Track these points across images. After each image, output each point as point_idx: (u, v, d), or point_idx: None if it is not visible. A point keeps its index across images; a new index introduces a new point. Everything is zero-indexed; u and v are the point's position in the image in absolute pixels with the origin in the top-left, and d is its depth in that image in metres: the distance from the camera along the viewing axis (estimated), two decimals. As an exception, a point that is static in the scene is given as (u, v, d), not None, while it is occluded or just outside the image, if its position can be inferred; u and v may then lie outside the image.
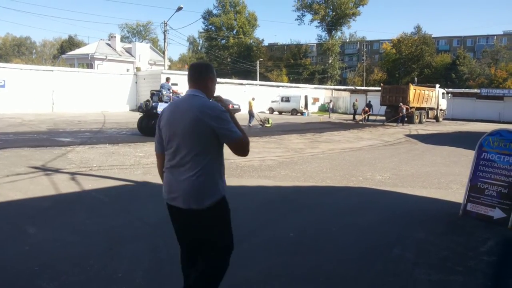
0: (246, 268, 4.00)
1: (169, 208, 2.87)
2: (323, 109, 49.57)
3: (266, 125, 23.94)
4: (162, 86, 16.42)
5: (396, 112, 29.84)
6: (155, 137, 2.98)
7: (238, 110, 35.48)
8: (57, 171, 8.35)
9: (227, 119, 2.67)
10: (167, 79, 17.21)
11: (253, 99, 25.44)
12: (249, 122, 24.09)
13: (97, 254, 4.19)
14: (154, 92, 16.05)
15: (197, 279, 2.83)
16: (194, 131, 2.63)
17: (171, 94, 16.22)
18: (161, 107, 15.19)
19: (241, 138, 2.73)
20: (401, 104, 29.77)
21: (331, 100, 43.39)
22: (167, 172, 2.83)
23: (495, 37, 77.65)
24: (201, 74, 2.85)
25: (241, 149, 2.81)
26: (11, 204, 5.95)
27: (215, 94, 2.93)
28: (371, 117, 34.06)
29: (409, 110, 29.99)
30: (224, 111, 2.70)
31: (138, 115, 16.62)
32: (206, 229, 2.78)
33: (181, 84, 35.25)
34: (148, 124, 15.46)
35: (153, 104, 15.32)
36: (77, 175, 7.95)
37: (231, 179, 8.25)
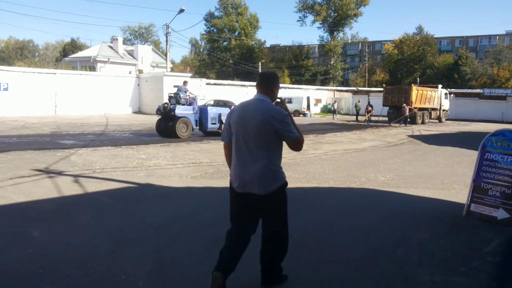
0: (249, 270, 3.99)
1: (237, 196, 3.46)
2: (326, 110, 49.55)
3: None
4: (179, 89, 16.82)
5: (399, 112, 29.81)
6: (224, 129, 3.51)
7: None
8: (60, 173, 8.37)
9: (288, 122, 3.27)
10: (184, 82, 17.75)
11: None
12: None
13: (100, 257, 4.19)
14: (172, 95, 16.49)
15: (272, 241, 3.53)
16: (262, 130, 3.21)
17: (188, 97, 16.65)
18: (179, 109, 15.72)
19: (298, 138, 3.31)
20: (404, 104, 29.74)
21: (335, 101, 43.18)
22: (235, 162, 3.41)
23: (497, 37, 77.47)
24: (269, 81, 3.44)
25: (297, 146, 3.36)
26: (14, 207, 5.97)
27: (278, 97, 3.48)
28: (373, 118, 34.02)
29: (412, 111, 29.95)
30: (286, 115, 3.27)
31: (140, 117, 16.81)
32: (271, 209, 3.41)
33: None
34: (166, 126, 15.94)
35: (171, 107, 15.76)
36: (80, 178, 7.97)
37: (234, 181, 8.25)
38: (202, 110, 17.08)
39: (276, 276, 3.61)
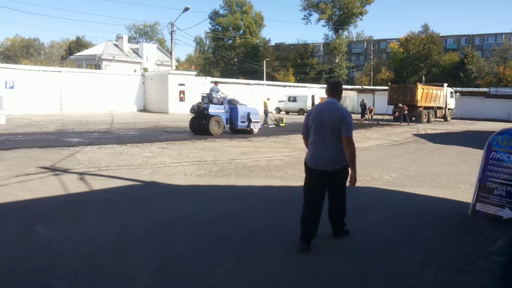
0: (254, 268, 4.01)
1: (311, 171, 4.59)
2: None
3: (280, 124, 24.14)
4: (211, 90, 17.71)
5: (402, 112, 29.76)
6: (304, 124, 4.74)
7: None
8: (66, 171, 8.41)
9: (349, 122, 4.43)
10: (216, 83, 18.86)
11: (268, 99, 25.80)
12: (265, 121, 24.35)
13: (106, 254, 4.22)
14: (204, 95, 17.46)
15: (336, 205, 4.77)
16: (333, 124, 4.38)
17: (219, 96, 17.47)
18: (212, 108, 16.73)
19: (350, 137, 4.44)
20: (400, 104, 29.74)
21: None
22: (312, 147, 4.59)
23: (503, 35, 76.94)
24: (337, 88, 4.75)
25: (348, 144, 4.43)
26: (20, 204, 6.01)
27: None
28: (377, 117, 33.91)
29: (406, 109, 29.68)
30: (349, 115, 4.46)
31: (145, 115, 16.96)
32: (336, 181, 4.60)
33: (188, 84, 35.38)
34: (199, 124, 16.98)
35: (204, 106, 16.74)
36: (85, 175, 8.01)
37: (239, 179, 8.27)
38: (233, 109, 17.83)
39: (342, 230, 4.94)
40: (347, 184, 4.65)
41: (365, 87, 58.30)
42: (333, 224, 4.90)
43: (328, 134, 4.43)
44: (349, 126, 4.41)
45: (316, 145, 4.55)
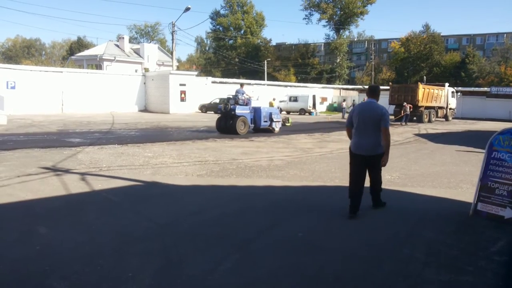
0: (255, 268, 4.01)
1: (356, 156, 5.82)
2: (332, 108, 49.38)
3: (286, 124, 24.36)
4: (237, 91, 18.52)
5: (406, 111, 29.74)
6: (348, 119, 5.98)
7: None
8: (67, 171, 8.42)
9: (386, 116, 5.65)
10: (241, 85, 19.68)
11: (273, 99, 25.91)
12: None
13: (107, 254, 4.22)
14: (231, 96, 18.40)
15: (374, 183, 6.09)
16: (374, 119, 5.63)
17: (244, 97, 18.41)
18: (238, 109, 17.72)
19: (387, 128, 5.69)
20: (405, 103, 29.69)
21: (344, 100, 42.74)
22: (356, 137, 5.80)
23: (505, 35, 76.74)
24: (375, 91, 6.03)
25: (385, 133, 5.68)
26: (22, 204, 6.01)
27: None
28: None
29: (411, 109, 29.71)
30: (386, 112, 5.71)
31: (146, 115, 17.02)
32: (373, 165, 5.86)
33: (189, 84, 35.38)
34: (226, 123, 17.84)
35: (231, 107, 17.68)
36: (87, 176, 8.01)
37: (240, 179, 8.27)
38: (256, 110, 18.78)
39: (380, 203, 6.27)
40: (382, 165, 5.88)
41: (366, 87, 58.21)
42: (372, 197, 6.20)
43: (370, 127, 5.68)
44: (386, 120, 5.66)
45: (359, 135, 5.77)
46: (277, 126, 19.55)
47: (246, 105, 18.29)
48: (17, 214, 5.57)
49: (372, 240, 4.90)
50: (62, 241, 4.55)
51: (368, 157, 5.73)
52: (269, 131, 19.12)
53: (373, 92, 6.00)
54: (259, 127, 18.71)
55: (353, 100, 38.70)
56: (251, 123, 18.50)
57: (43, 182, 7.45)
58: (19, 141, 13.14)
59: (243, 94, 18.45)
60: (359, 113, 5.78)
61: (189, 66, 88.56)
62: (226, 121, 17.88)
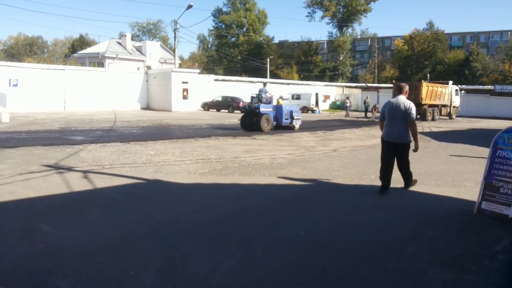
0: (258, 267, 3.99)
1: (386, 143, 7.00)
2: (335, 106, 49.29)
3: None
4: (260, 90, 19.29)
5: None
6: (381, 113, 7.21)
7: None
8: (69, 169, 8.42)
9: (413, 110, 6.75)
10: (264, 84, 20.63)
11: (281, 97, 26.05)
12: None
13: (110, 252, 4.21)
14: (254, 95, 19.20)
15: (403, 167, 7.17)
16: (403, 112, 6.77)
17: (268, 96, 19.21)
18: (262, 107, 18.59)
19: (413, 120, 6.83)
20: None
21: (347, 97, 42.61)
22: (387, 127, 7.00)
23: (509, 32, 76.57)
24: (403, 89, 7.15)
25: (412, 125, 6.84)
26: (24, 202, 6.02)
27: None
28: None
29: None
30: (413, 106, 6.79)
31: (149, 113, 16.97)
32: (404, 150, 6.95)
33: (191, 82, 35.38)
34: (251, 121, 18.65)
35: (255, 105, 18.51)
36: (89, 173, 8.01)
37: (243, 177, 8.25)
38: (278, 108, 19.77)
39: (410, 184, 7.38)
40: (413, 151, 6.99)
41: (369, 84, 58.19)
42: (404, 180, 7.37)
43: (398, 119, 6.86)
44: (412, 113, 6.77)
45: (390, 126, 6.97)
46: (297, 123, 20.40)
47: (269, 103, 19.14)
48: (20, 212, 5.57)
49: (376, 239, 4.88)
50: (64, 239, 4.54)
51: (397, 144, 6.93)
52: (290, 128, 19.92)
53: (401, 90, 7.17)
54: (281, 124, 19.58)
55: (367, 97, 38.53)
56: (274, 121, 19.35)
57: (46, 180, 7.45)
58: (21, 139, 13.16)
59: (266, 93, 19.23)
60: (390, 108, 7.01)
61: (191, 64, 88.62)
62: (251, 118, 18.69)
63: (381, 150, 7.14)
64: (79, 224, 5.09)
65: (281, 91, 42.49)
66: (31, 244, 4.36)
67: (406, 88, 7.21)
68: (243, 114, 19.47)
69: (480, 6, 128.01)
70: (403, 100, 6.93)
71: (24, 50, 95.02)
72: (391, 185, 7.26)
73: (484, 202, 5.81)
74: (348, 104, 38.32)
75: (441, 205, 6.50)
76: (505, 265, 4.16)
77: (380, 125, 7.30)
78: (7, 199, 6.07)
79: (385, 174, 7.01)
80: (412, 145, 6.99)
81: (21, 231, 4.80)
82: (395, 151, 7.00)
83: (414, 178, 7.45)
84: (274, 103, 19.64)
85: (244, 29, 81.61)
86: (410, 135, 6.89)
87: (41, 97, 29.14)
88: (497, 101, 41.06)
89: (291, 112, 20.22)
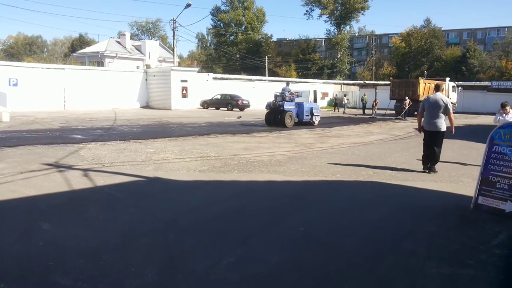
0: (257, 263, 4.03)
1: (426, 131, 8.69)
2: (332, 104, 49.27)
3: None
4: (283, 89, 20.78)
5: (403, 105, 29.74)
6: (420, 106, 8.87)
7: (248, 105, 35.53)
8: (69, 167, 8.45)
9: (449, 104, 8.47)
10: (287, 84, 22.78)
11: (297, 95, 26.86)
12: None
13: (110, 249, 4.24)
14: (278, 94, 20.57)
15: (434, 153, 8.67)
16: (439, 106, 8.41)
17: (290, 94, 20.52)
18: (286, 105, 20.00)
19: (451, 112, 8.55)
20: (407, 97, 29.72)
21: (345, 94, 42.55)
22: (426, 118, 8.63)
23: (506, 29, 76.46)
24: (440, 87, 8.74)
25: (450, 116, 8.54)
26: (25, 201, 6.04)
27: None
28: (381, 112, 33.89)
29: (410, 104, 29.70)
30: (449, 101, 8.50)
31: (148, 112, 16.97)
32: (437, 138, 8.61)
33: (190, 80, 35.33)
34: (275, 118, 20.13)
35: (280, 103, 19.92)
36: (89, 172, 8.04)
37: (242, 175, 8.29)
38: (299, 105, 21.12)
39: (434, 169, 8.77)
40: (451, 133, 8.75)
41: (367, 82, 58.18)
42: (430, 163, 8.73)
43: (436, 112, 8.46)
44: (449, 107, 8.48)
45: (430, 117, 8.57)
46: (316, 120, 21.95)
47: (291, 101, 20.45)
48: (20, 210, 5.60)
49: (374, 234, 4.92)
50: (65, 237, 4.58)
51: (433, 132, 8.54)
52: (310, 124, 21.36)
53: (437, 88, 8.79)
54: (302, 120, 21.04)
55: (364, 95, 38.63)
56: (296, 117, 20.70)
57: (46, 178, 7.48)
58: (21, 138, 13.18)
59: (289, 91, 20.64)
60: (429, 103, 8.60)
61: (190, 63, 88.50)
62: (275, 115, 20.13)
63: (423, 138, 8.91)
64: (80, 222, 5.12)
65: (279, 89, 42.50)
66: (32, 242, 4.39)
67: (443, 86, 9.03)
68: (267, 111, 20.71)
69: (477, 3, 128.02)
70: (440, 96, 8.53)
71: (24, 49, 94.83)
72: (389, 182, 7.30)
73: (480, 197, 5.86)
74: (346, 102, 38.34)
75: (438, 201, 6.55)
76: (502, 260, 4.21)
77: (419, 117, 8.91)
78: (8, 198, 6.10)
79: (426, 156, 8.80)
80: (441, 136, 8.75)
81: (22, 229, 4.82)
82: (432, 139, 8.58)
83: (412, 173, 7.61)
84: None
85: (243, 27, 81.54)
86: (444, 124, 8.51)
87: (41, 97, 29.10)
88: (494, 97, 40.93)
89: (311, 109, 21.65)
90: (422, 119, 8.79)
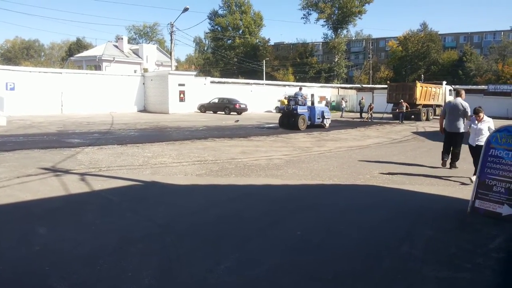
0: (255, 267, 4.03)
1: (447, 132, 9.62)
2: (331, 107, 49.27)
3: None
4: (297, 94, 21.76)
5: (402, 109, 29.82)
6: (442, 110, 10.11)
7: (245, 109, 35.54)
8: (66, 172, 8.43)
9: (468, 108, 9.32)
10: (300, 88, 23.83)
11: (285, 98, 27.18)
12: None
13: (107, 254, 4.23)
14: (291, 98, 21.55)
15: (455, 152, 9.66)
16: (459, 110, 9.40)
17: (303, 99, 21.61)
18: (299, 109, 21.05)
19: (470, 116, 8.85)
20: (401, 100, 29.82)
21: (342, 98, 42.62)
22: (447, 121, 9.56)
23: (502, 32, 76.88)
24: (460, 93, 9.95)
25: (469, 119, 9.05)
26: (21, 205, 6.02)
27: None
28: (378, 115, 33.97)
29: (407, 108, 29.81)
30: (468, 106, 9.38)
31: (146, 116, 16.91)
32: (459, 138, 9.51)
33: (188, 84, 35.32)
34: (289, 121, 21.10)
35: (293, 107, 21.01)
36: (86, 176, 8.03)
37: (239, 178, 8.29)
38: (311, 109, 22.18)
39: (455, 165, 9.56)
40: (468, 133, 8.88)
41: (364, 85, 58.30)
42: (451, 160, 9.63)
43: (456, 115, 9.40)
44: (468, 110, 9.24)
45: (451, 120, 9.48)
46: (327, 122, 22.84)
47: (304, 105, 21.57)
48: (17, 215, 5.59)
49: (371, 237, 4.93)
50: (62, 241, 4.56)
51: (453, 133, 9.45)
52: (321, 127, 22.23)
53: (458, 93, 9.96)
54: (314, 123, 21.93)
55: (362, 98, 38.77)
56: (308, 120, 21.63)
57: (43, 182, 7.46)
58: (18, 142, 13.14)
59: (302, 96, 21.66)
60: (450, 107, 9.61)
61: (188, 66, 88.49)
62: (289, 118, 21.13)
63: (444, 138, 9.74)
64: (76, 227, 5.11)
65: (277, 92, 42.63)
66: (28, 247, 4.38)
67: (462, 92, 9.98)
68: (281, 114, 21.90)
69: (473, 7, 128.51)
70: (460, 101, 9.55)
71: (21, 53, 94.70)
72: (387, 185, 7.30)
73: (477, 201, 5.87)
74: (344, 106, 38.40)
75: (435, 204, 6.56)
76: (498, 263, 4.22)
77: (441, 120, 9.80)
78: (4, 202, 6.07)
79: (445, 154, 9.59)
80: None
81: (18, 234, 4.81)
82: (451, 139, 9.50)
83: (409, 176, 7.55)
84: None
85: (240, 31, 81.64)
86: (463, 127, 9.33)
87: (38, 101, 29.01)
88: (490, 101, 41.12)
89: (323, 112, 22.72)
90: (444, 121, 9.67)
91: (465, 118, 9.28)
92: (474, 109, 8.34)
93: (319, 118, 22.26)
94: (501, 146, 5.78)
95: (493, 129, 7.00)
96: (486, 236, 5.02)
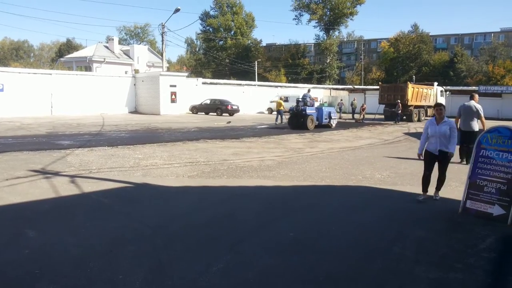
0: (247, 269, 4.01)
1: (462, 131, 10.56)
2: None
3: (276, 123, 25.33)
4: (305, 95, 23.05)
5: (395, 110, 29.99)
6: (458, 112, 10.90)
7: (237, 110, 35.51)
8: (56, 174, 8.35)
9: (480, 110, 10.46)
10: (309, 90, 25.57)
11: (281, 99, 27.99)
12: (276, 120, 25.90)
13: (98, 256, 4.19)
14: (300, 99, 22.73)
15: (470, 148, 9.12)
16: (472, 112, 10.53)
17: (311, 100, 22.75)
18: (308, 109, 22.15)
19: (482, 116, 10.45)
20: (398, 101, 29.99)
21: (341, 99, 42.67)
22: (462, 121, 10.66)
23: (492, 34, 77.61)
24: (473, 96, 10.88)
25: (482, 120, 10.34)
26: (10, 208, 5.96)
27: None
28: (369, 116, 34.10)
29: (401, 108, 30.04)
30: (481, 108, 10.51)
31: (137, 117, 16.79)
32: (473, 136, 9.59)
33: (179, 85, 35.16)
34: (298, 121, 22.10)
35: (302, 108, 22.11)
36: (76, 178, 7.96)
37: (231, 180, 8.27)
38: (319, 110, 23.45)
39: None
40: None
41: (356, 86, 58.52)
42: (466, 156, 10.43)
43: (470, 116, 10.43)
44: (481, 112, 10.30)
45: (465, 120, 10.51)
46: (333, 123, 24.23)
47: (312, 106, 22.75)
48: (6, 218, 5.52)
49: (363, 238, 4.93)
50: (51, 244, 4.51)
51: (468, 132, 10.40)
52: (328, 126, 23.45)
53: (472, 97, 10.78)
54: (321, 123, 23.18)
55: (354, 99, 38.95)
56: (316, 120, 22.75)
57: (32, 185, 7.38)
58: (7, 144, 13.01)
59: (310, 97, 22.82)
60: (464, 108, 10.58)
61: (179, 67, 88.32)
62: (298, 119, 22.13)
63: (459, 138, 9.72)
64: (66, 229, 5.06)
65: (269, 93, 42.67)
66: (18, 250, 4.32)
67: (476, 95, 10.95)
68: (290, 115, 22.93)
69: (463, 9, 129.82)
70: (473, 103, 10.54)
71: (10, 54, 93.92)
72: (379, 186, 7.32)
73: (468, 201, 5.90)
74: (341, 107, 38.42)
75: (426, 205, 6.58)
76: (490, 263, 4.24)
77: (457, 120, 10.61)
78: (-7, 205, 6.01)
79: (461, 148, 10.56)
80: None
81: (8, 237, 4.75)
82: (465, 137, 10.42)
83: (400, 177, 7.54)
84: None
85: (232, 32, 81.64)
86: (477, 126, 10.38)
87: (27, 102, 28.74)
88: (481, 102, 40.57)
89: (329, 113, 24.03)
90: (459, 121, 10.67)
91: (479, 119, 10.40)
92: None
93: (326, 119, 23.43)
94: (492, 146, 5.82)
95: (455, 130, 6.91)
96: (477, 236, 5.04)
